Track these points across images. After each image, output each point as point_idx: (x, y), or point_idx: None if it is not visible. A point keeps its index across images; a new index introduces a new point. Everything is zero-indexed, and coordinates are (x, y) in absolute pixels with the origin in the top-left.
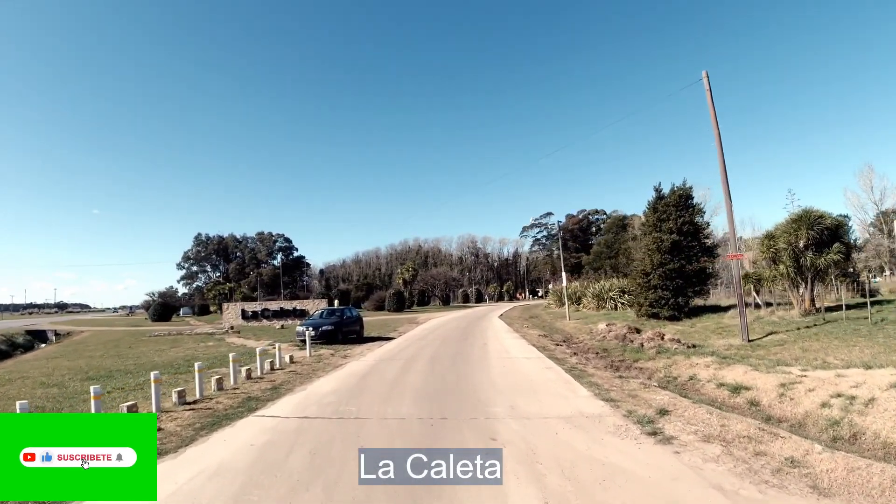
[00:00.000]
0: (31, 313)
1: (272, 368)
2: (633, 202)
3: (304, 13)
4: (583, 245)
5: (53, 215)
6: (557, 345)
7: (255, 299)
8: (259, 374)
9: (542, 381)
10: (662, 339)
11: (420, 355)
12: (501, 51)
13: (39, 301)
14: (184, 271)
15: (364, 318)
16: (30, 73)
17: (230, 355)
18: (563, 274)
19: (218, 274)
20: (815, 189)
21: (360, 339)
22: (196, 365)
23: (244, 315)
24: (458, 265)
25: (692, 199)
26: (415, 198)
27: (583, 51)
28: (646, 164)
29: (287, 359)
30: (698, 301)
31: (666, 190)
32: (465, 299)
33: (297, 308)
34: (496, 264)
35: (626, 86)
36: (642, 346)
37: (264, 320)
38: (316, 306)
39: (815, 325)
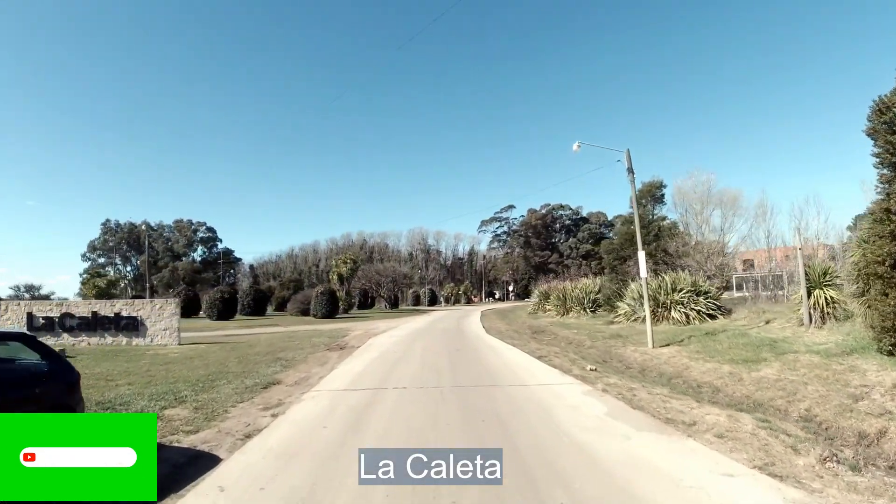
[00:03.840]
0: None
1: None
2: (599, 198)
3: None
4: (547, 243)
5: None
6: None
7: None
8: None
9: None
10: None
11: None
12: (450, 29)
13: None
14: (89, 263)
15: (260, 332)
16: None
17: None
18: (641, 254)
19: (130, 268)
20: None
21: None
22: None
23: (31, 323)
24: (409, 262)
25: None
26: (362, 191)
27: (542, 31)
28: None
29: None
30: None
31: None
32: (417, 301)
33: (124, 314)
34: (450, 263)
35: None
36: None
37: (65, 334)
38: (159, 310)
39: None
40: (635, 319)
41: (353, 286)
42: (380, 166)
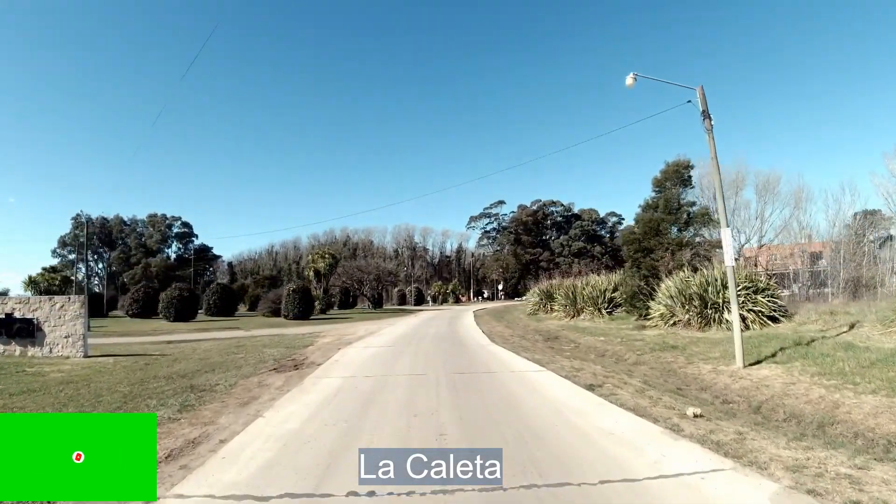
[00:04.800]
0: None
1: None
2: (592, 196)
3: None
4: (538, 240)
5: None
6: None
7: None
8: None
9: None
10: None
11: None
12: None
13: None
14: (59, 259)
15: (209, 338)
16: None
17: None
18: (726, 233)
19: (102, 265)
20: None
21: None
22: None
23: None
24: (395, 259)
25: None
26: (346, 186)
27: (537, 26)
28: (608, 155)
29: None
30: None
31: None
32: (403, 300)
33: (17, 315)
34: (437, 260)
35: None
36: None
37: None
38: (60, 311)
39: None
40: (674, 323)
41: (332, 284)
42: (367, 160)
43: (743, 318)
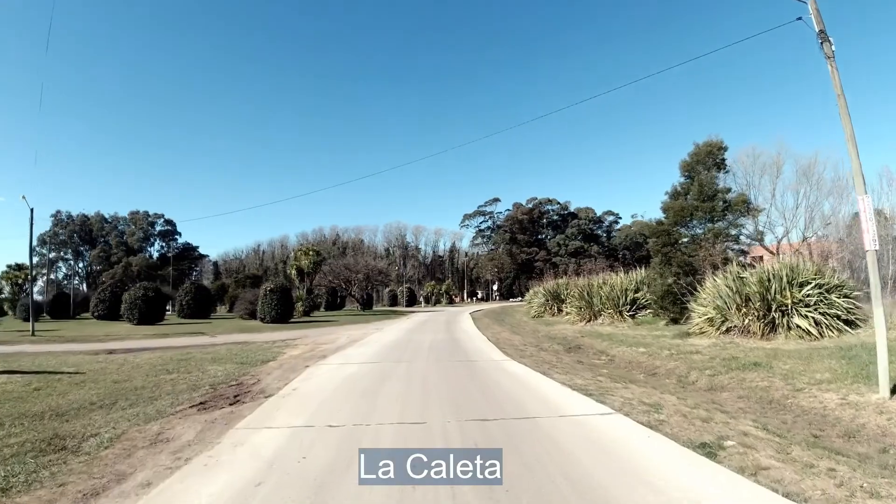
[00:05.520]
0: None
1: None
2: (589, 195)
3: None
4: (533, 239)
5: None
6: None
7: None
8: None
9: None
10: None
11: None
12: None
13: None
14: (38, 258)
15: (160, 346)
16: None
17: None
18: (866, 202)
19: (83, 263)
20: None
21: None
22: None
23: None
24: (386, 259)
25: None
26: (336, 183)
27: (533, 25)
28: (602, 154)
29: None
30: None
31: None
32: (394, 301)
33: None
34: (429, 260)
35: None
36: None
37: None
38: None
39: None
40: (727, 330)
41: (318, 283)
42: (357, 157)
43: (817, 324)
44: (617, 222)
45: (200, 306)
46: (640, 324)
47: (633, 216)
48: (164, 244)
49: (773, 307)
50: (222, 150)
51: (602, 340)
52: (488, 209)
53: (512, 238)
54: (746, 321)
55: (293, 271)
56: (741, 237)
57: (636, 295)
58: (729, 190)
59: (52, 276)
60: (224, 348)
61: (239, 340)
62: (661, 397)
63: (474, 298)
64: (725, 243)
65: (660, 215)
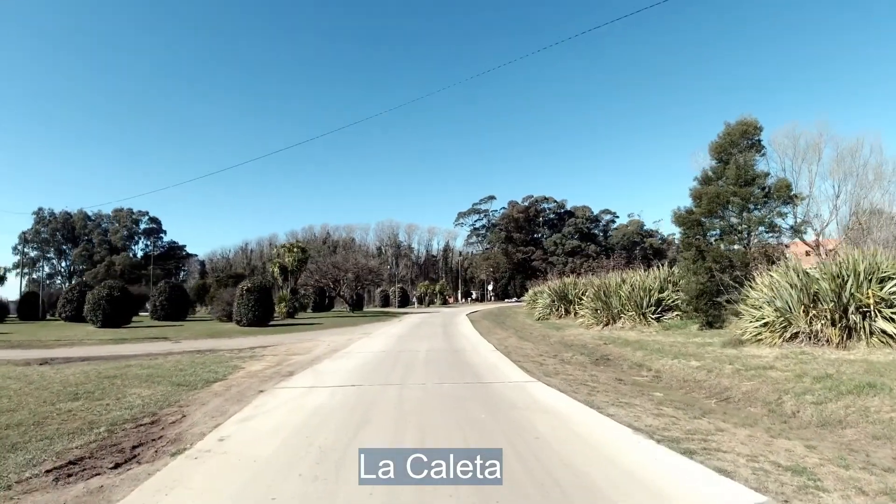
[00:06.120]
0: None
1: None
2: (586, 193)
3: None
4: (529, 238)
5: None
6: None
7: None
8: None
9: None
10: None
11: None
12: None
13: None
14: (19, 257)
15: (87, 356)
16: None
17: None
18: None
19: (66, 262)
20: None
21: None
22: None
23: None
24: (377, 258)
25: None
26: (328, 181)
27: (527, 21)
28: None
29: None
30: None
31: None
32: (386, 301)
33: None
34: (423, 260)
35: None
36: None
37: None
38: None
39: None
40: (791, 337)
41: (303, 283)
42: (350, 154)
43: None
44: (614, 221)
45: (176, 307)
46: (668, 328)
47: (629, 215)
48: (148, 243)
49: (852, 308)
50: (213, 142)
51: (632, 349)
52: (483, 207)
53: (507, 237)
54: (818, 326)
55: (275, 269)
56: (784, 228)
57: (661, 295)
58: (767, 174)
59: (34, 276)
60: (175, 359)
61: (203, 347)
62: (795, 452)
63: (469, 299)
64: (769, 235)
65: (659, 215)
